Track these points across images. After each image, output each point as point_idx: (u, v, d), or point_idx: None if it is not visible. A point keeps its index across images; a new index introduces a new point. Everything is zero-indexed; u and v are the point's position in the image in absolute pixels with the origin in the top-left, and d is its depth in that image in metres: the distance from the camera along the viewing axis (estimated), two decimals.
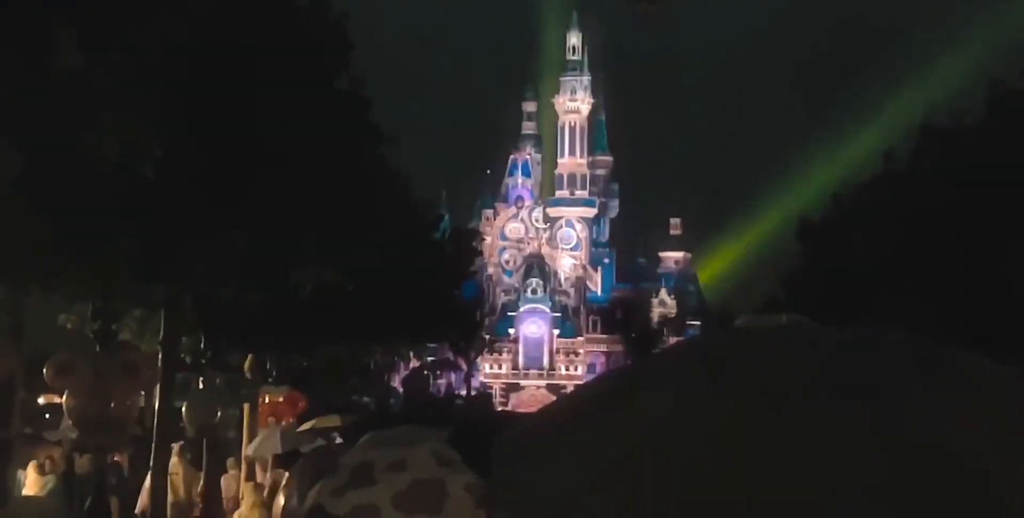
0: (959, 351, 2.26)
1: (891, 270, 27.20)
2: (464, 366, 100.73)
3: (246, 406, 25.38)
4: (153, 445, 18.30)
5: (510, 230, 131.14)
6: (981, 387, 2.13)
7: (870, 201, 30.34)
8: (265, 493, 17.24)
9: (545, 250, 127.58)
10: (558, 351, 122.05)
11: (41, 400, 33.23)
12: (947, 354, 2.24)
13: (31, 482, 19.12)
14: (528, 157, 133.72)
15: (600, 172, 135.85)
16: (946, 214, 25.29)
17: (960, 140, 26.89)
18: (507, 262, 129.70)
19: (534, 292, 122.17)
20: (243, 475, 23.96)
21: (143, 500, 20.99)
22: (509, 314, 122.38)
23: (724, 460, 1.99)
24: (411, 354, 58.38)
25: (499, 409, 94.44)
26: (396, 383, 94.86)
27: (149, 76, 10.83)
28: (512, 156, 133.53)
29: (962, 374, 2.18)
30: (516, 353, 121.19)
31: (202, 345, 23.24)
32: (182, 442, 22.20)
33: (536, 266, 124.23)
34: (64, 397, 16.93)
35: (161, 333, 18.61)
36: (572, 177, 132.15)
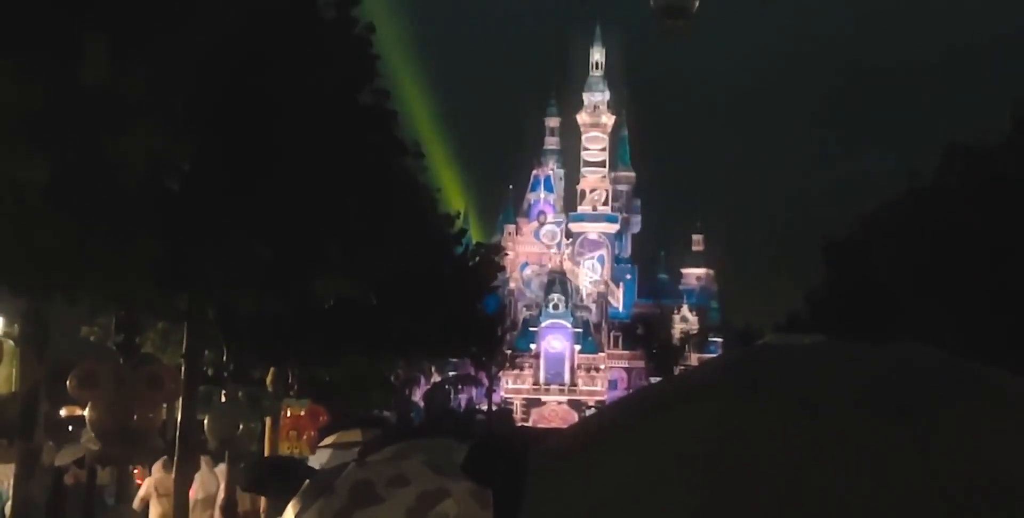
0: (992, 368, 2.24)
1: (915, 287, 27.14)
2: (485, 381, 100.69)
3: (268, 419, 25.40)
4: (176, 458, 18.31)
5: (532, 245, 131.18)
6: (1018, 404, 2.11)
7: (895, 218, 30.30)
8: None
9: (567, 266, 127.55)
10: (579, 367, 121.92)
11: (63, 412, 33.31)
12: (983, 371, 2.22)
13: None
14: (551, 172, 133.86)
15: (622, 188, 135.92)
16: (971, 231, 25.23)
17: (985, 158, 26.86)
18: (529, 278, 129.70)
19: (556, 307, 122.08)
20: None
21: (138, 502, 21.02)
22: (531, 329, 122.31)
23: (765, 476, 1.97)
24: (432, 368, 58.38)
25: (520, 424, 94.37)
26: (417, 397, 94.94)
27: (176, 88, 10.85)
28: (535, 171, 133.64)
29: (1000, 391, 2.16)
30: (537, 368, 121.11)
31: (224, 358, 23.29)
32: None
33: (558, 281, 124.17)
34: (86, 409, 16.96)
35: (184, 346, 18.65)
36: (594, 193, 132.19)
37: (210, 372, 23.37)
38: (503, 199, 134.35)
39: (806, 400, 2.03)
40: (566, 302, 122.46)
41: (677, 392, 2.28)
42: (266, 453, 25.16)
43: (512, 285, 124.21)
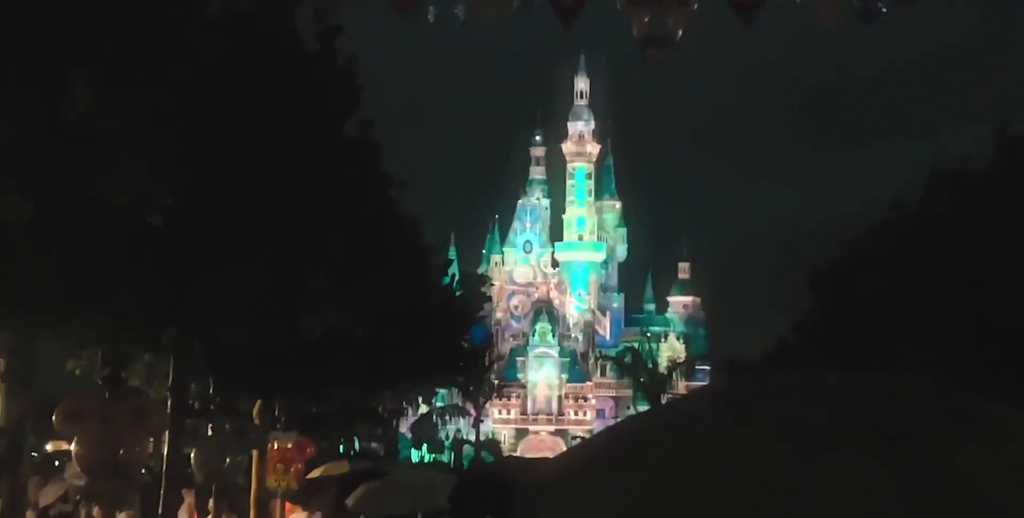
0: (978, 396, 2.24)
1: (902, 314, 27.14)
2: (473, 411, 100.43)
3: (255, 452, 25.30)
4: (162, 492, 18.25)
5: (518, 275, 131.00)
6: (1002, 431, 2.11)
7: (880, 245, 30.32)
8: None
9: (553, 295, 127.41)
10: (567, 396, 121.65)
11: (49, 447, 33.17)
12: (969, 400, 2.23)
13: None
14: (536, 202, 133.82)
15: (608, 216, 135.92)
16: (956, 257, 25.25)
17: (969, 183, 26.90)
18: (515, 307, 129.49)
19: (542, 337, 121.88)
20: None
21: None
22: (518, 359, 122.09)
23: (751, 504, 1.96)
24: (420, 399, 58.20)
25: (508, 454, 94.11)
26: (404, 429, 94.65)
27: (160, 122, 10.84)
28: (520, 201, 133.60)
29: (986, 420, 2.16)
30: (525, 398, 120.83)
31: (211, 391, 23.21)
32: None
33: (544, 311, 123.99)
34: (72, 444, 16.88)
35: (170, 379, 18.60)
36: (580, 222, 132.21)
37: (196, 405, 23.29)
38: (489, 229, 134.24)
39: (797, 429, 2.02)
40: (553, 332, 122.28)
41: (666, 423, 2.27)
42: (253, 487, 25.04)
43: (499, 315, 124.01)
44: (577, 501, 2.08)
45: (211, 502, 22.63)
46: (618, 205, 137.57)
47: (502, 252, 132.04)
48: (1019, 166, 25.80)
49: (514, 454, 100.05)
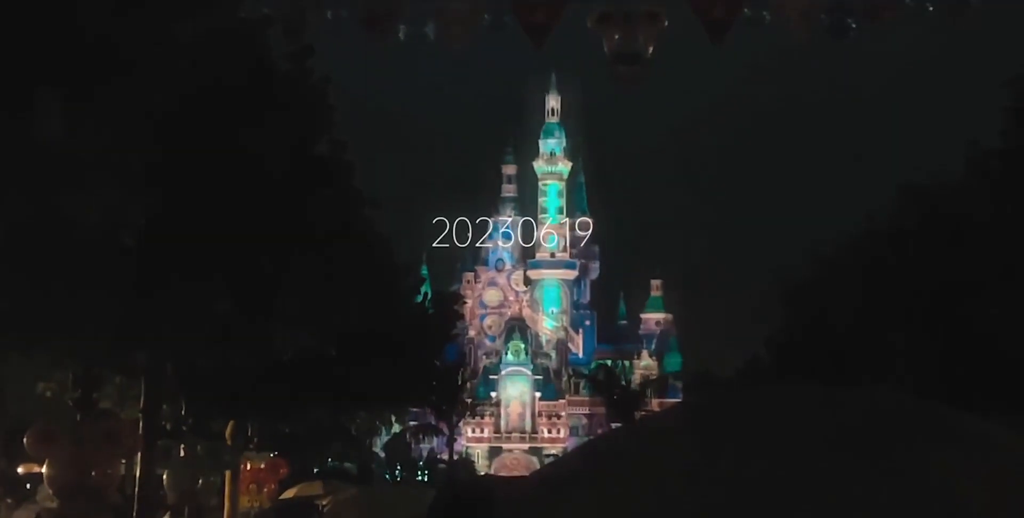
0: (953, 409, 2.24)
1: (873, 329, 27.21)
2: (446, 430, 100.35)
3: (228, 473, 25.20)
4: (135, 513, 18.14)
5: (491, 293, 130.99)
6: (975, 443, 2.11)
7: (852, 260, 30.41)
8: None
9: (526, 313, 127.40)
10: (540, 414, 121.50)
11: (21, 470, 32.98)
12: (946, 413, 2.22)
13: None
14: (508, 220, 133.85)
15: (581, 234, 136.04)
16: (927, 272, 25.34)
17: (940, 198, 27.00)
18: (488, 325, 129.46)
19: (515, 355, 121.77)
20: None
21: None
22: (491, 377, 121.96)
23: (727, 517, 1.95)
24: (393, 419, 58.12)
25: (482, 473, 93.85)
26: (378, 448, 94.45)
27: (130, 143, 10.80)
28: (492, 219, 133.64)
29: (962, 432, 2.16)
30: (498, 417, 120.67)
31: (183, 412, 23.12)
32: None
33: (517, 329, 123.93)
34: (44, 466, 16.79)
35: (142, 400, 18.51)
36: (553, 239, 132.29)
37: (168, 426, 23.19)
38: (461, 247, 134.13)
39: (772, 443, 2.01)
40: (526, 349, 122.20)
41: (641, 439, 2.26)
42: (226, 508, 24.94)
43: (471, 333, 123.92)
44: (556, 516, 2.07)
45: None
46: (590, 222, 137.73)
47: (474, 270, 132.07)
48: (990, 181, 25.91)
49: (489, 472, 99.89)
